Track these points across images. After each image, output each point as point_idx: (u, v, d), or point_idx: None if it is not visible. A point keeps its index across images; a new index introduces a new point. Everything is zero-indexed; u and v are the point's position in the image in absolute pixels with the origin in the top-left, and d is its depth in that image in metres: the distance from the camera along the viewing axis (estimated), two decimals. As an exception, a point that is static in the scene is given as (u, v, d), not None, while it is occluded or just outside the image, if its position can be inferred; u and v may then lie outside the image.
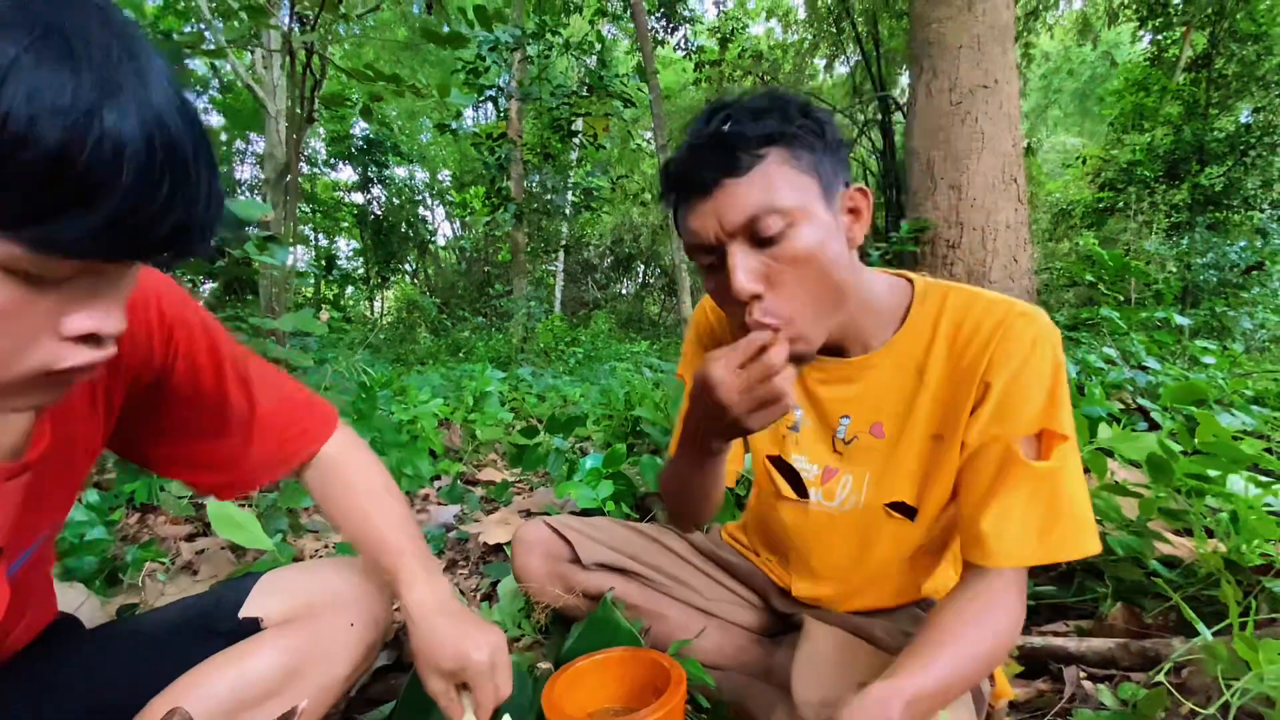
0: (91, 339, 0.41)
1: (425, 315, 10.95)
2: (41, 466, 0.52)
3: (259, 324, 2.67)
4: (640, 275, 16.88)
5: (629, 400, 2.62)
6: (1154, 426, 1.91)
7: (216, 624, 0.68)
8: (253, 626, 0.68)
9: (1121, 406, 2.10)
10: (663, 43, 9.31)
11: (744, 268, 0.64)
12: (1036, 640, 1.03)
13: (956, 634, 0.64)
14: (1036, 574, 1.21)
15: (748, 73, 9.68)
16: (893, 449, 0.77)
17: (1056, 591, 1.17)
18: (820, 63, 13.06)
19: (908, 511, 0.78)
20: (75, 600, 1.00)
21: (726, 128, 0.64)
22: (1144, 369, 2.54)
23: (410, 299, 12.96)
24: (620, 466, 1.76)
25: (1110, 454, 1.22)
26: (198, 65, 9.68)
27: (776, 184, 0.63)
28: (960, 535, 0.72)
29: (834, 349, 0.78)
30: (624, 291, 16.86)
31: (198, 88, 10.91)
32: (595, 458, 1.80)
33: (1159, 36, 9.99)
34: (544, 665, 0.98)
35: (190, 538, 1.64)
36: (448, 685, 0.62)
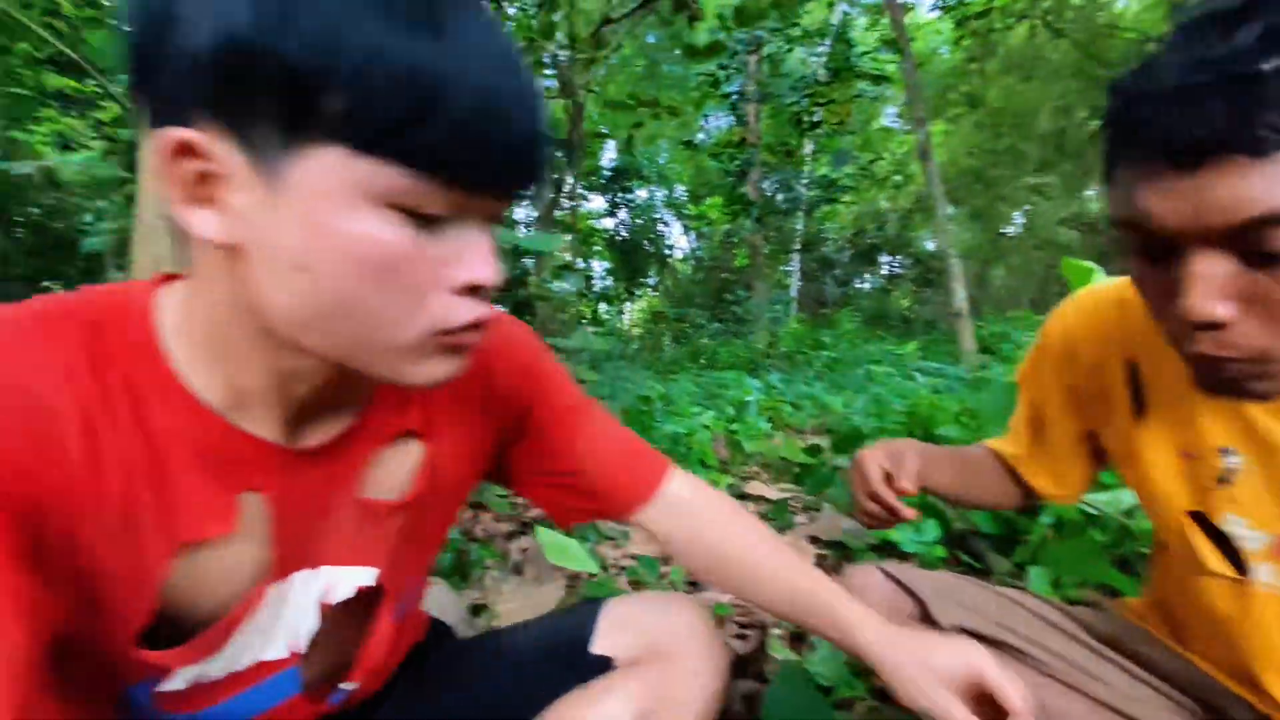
0: (474, 291, 0.41)
1: (669, 325, 11.57)
2: (418, 507, 0.56)
3: (549, 343, 3.03)
4: (886, 267, 15.50)
5: (914, 413, 2.29)
6: None
7: (573, 657, 0.69)
8: (605, 664, 0.67)
9: None
10: (912, 8, 8.39)
11: (1210, 285, 0.44)
12: None
13: None
14: None
15: (1022, 16, 8.16)
16: None
17: None
18: (1123, -17, 10.46)
19: None
20: (439, 597, 1.15)
21: (1266, 66, 0.39)
22: None
23: (655, 310, 13.83)
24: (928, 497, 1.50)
25: None
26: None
27: None
28: None
29: None
30: (866, 286, 15.67)
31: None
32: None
33: None
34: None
35: (510, 536, 1.85)
36: (952, 694, 0.58)
